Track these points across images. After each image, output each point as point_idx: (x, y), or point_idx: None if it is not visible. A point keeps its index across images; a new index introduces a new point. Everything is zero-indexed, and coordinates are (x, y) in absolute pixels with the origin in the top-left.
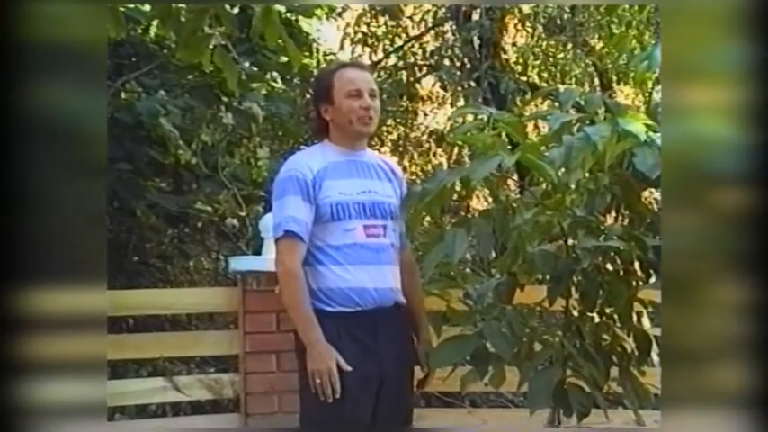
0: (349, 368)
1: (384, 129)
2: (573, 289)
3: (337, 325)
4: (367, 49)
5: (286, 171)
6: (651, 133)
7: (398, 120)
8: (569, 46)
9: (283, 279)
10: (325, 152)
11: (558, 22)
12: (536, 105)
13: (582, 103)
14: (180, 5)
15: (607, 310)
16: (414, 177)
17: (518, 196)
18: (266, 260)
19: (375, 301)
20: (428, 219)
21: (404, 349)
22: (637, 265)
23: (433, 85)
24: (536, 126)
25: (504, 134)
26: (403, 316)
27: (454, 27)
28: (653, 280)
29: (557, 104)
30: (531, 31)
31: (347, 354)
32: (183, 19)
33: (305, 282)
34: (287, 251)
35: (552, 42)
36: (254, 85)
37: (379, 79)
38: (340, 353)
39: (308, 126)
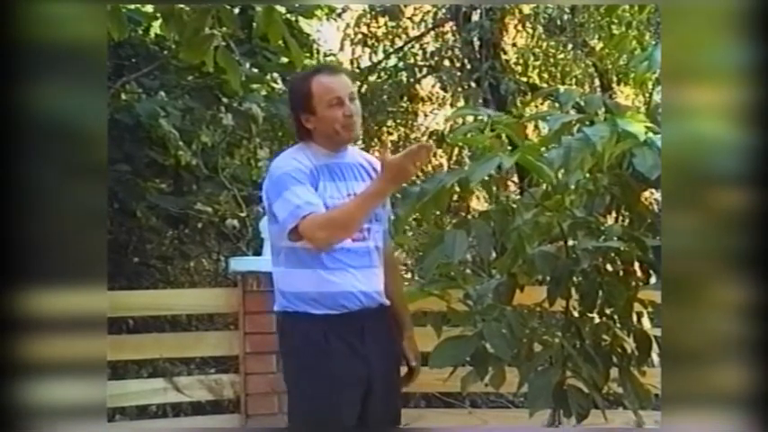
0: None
1: (384, 129)
2: (573, 290)
3: (324, 327)
4: (367, 50)
5: (282, 167)
6: (651, 134)
7: (398, 121)
8: (569, 47)
9: (327, 236)
10: (308, 154)
11: (559, 22)
12: (536, 106)
13: (582, 103)
14: (182, 6)
15: (607, 311)
16: (414, 178)
17: (518, 197)
18: (266, 261)
19: (361, 304)
20: (429, 219)
21: (390, 350)
22: (637, 265)
23: (434, 86)
24: (536, 127)
25: (504, 135)
26: (388, 317)
27: (454, 28)
28: (653, 280)
29: (557, 105)
30: (531, 31)
31: (334, 356)
32: (185, 19)
33: (328, 212)
34: (311, 230)
35: (552, 43)
36: (254, 86)
37: (380, 80)
38: (327, 355)
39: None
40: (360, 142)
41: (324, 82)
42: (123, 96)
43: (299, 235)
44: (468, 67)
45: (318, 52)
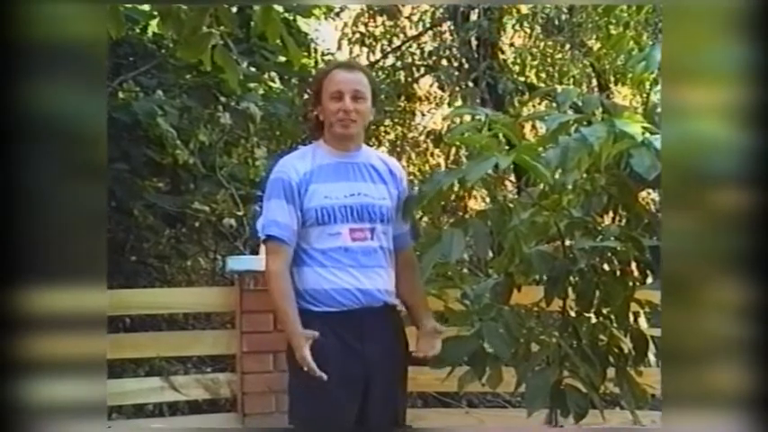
0: (315, 334)
1: (382, 129)
2: (570, 289)
3: (322, 325)
4: (365, 50)
5: (275, 172)
6: (648, 134)
7: (396, 120)
8: (567, 46)
9: (268, 279)
10: (315, 154)
11: (556, 22)
12: (534, 106)
13: (579, 103)
14: (180, 4)
15: (604, 311)
16: (411, 178)
17: (515, 197)
18: (263, 260)
19: (361, 302)
20: (425, 219)
21: (393, 350)
22: (633, 265)
23: (431, 86)
24: (534, 127)
25: (501, 135)
26: (394, 317)
27: (452, 27)
28: (650, 280)
29: (554, 105)
30: (529, 31)
31: (331, 354)
32: (183, 18)
33: (289, 280)
34: (270, 253)
35: (550, 43)
36: (252, 85)
37: (377, 79)
38: (325, 352)
39: (305, 126)
40: None
41: (334, 75)
42: (121, 95)
43: None
44: (466, 66)
45: (316, 51)
